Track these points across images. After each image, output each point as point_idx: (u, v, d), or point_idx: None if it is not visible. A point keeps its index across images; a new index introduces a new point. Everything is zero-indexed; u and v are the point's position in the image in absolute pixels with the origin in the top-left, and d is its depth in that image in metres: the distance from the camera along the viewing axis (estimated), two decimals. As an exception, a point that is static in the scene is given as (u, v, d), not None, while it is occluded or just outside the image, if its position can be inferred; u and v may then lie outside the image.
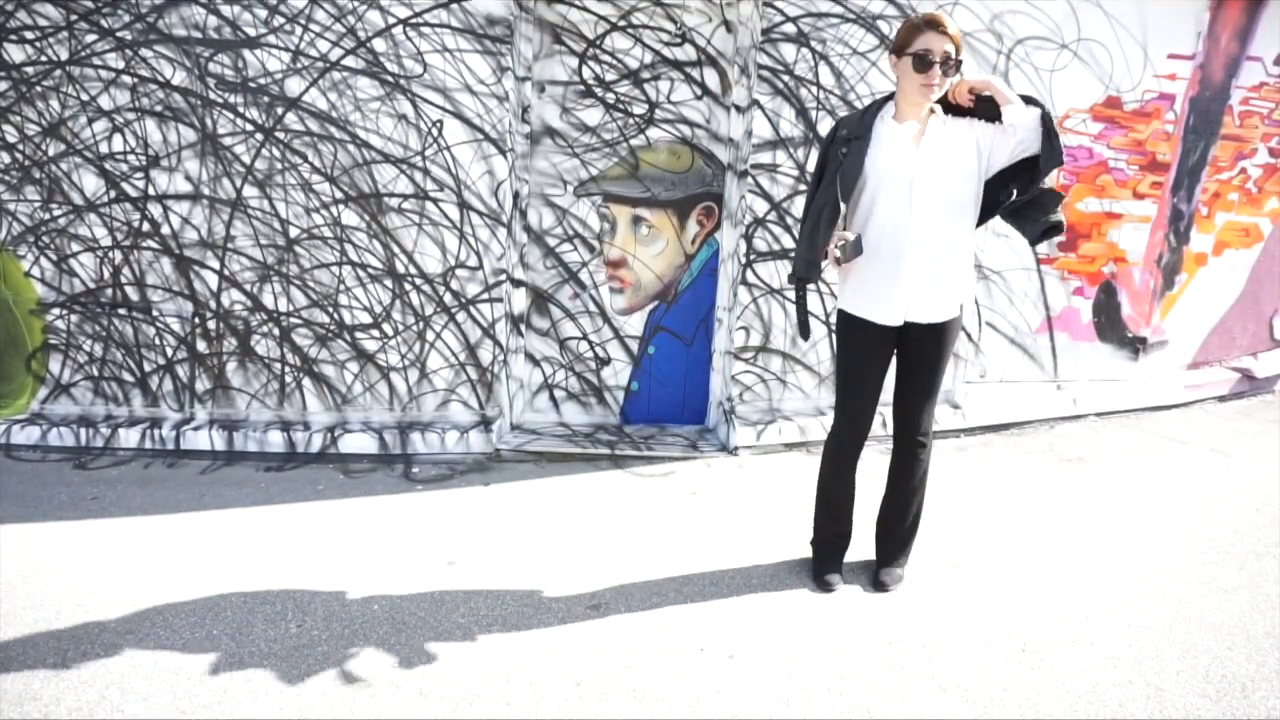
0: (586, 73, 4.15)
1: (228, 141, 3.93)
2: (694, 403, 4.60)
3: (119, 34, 3.83)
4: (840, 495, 2.88)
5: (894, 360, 2.76)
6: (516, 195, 4.14)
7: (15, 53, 3.86)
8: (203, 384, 4.18)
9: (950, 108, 2.57)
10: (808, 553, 3.04)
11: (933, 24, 2.40)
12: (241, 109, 3.90)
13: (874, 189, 2.55)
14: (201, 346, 4.14)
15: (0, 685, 2.25)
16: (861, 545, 2.99)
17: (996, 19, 4.24)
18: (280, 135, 3.93)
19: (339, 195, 3.99)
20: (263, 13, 3.81)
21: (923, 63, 2.41)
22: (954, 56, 2.41)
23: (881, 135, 2.54)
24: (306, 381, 4.18)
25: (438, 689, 2.29)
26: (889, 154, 2.52)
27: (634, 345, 4.49)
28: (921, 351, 2.66)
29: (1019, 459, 4.21)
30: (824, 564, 2.91)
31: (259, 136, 3.93)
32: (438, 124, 3.95)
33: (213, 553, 3.06)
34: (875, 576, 2.89)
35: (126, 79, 3.88)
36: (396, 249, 4.05)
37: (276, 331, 4.12)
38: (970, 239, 2.63)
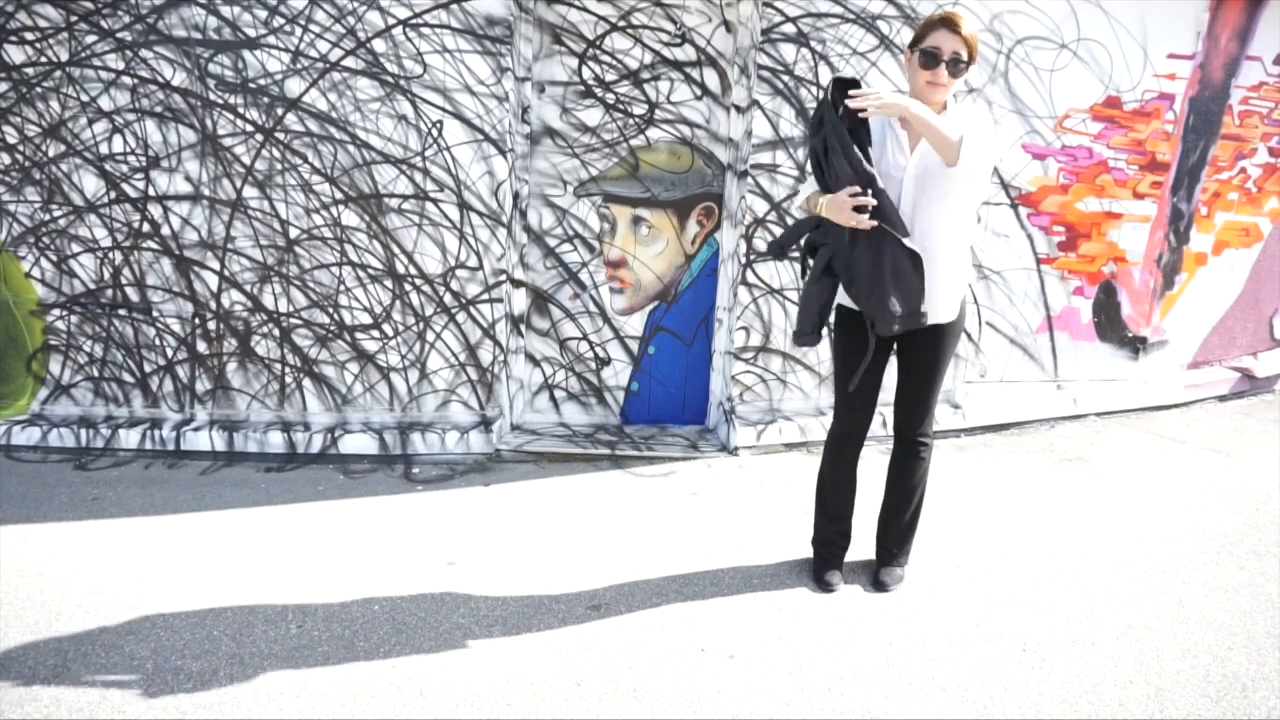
0: (586, 73, 4.15)
1: (228, 142, 3.94)
2: (694, 403, 4.60)
3: (119, 35, 3.83)
4: (840, 494, 2.88)
5: (894, 359, 2.76)
6: (516, 195, 4.14)
7: (15, 54, 3.86)
8: (203, 385, 4.18)
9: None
10: (808, 553, 3.04)
11: (947, 22, 2.40)
12: (241, 110, 3.90)
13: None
14: (202, 347, 4.14)
15: (1, 686, 2.25)
16: (862, 545, 2.99)
17: (996, 19, 4.24)
18: (280, 136, 3.93)
19: (339, 196, 3.99)
20: (262, 13, 3.81)
21: (930, 59, 2.41)
22: (963, 58, 2.40)
23: (884, 134, 2.53)
24: (307, 382, 4.18)
25: (438, 689, 2.29)
26: (888, 154, 2.51)
27: (634, 345, 4.49)
28: (920, 354, 2.65)
29: (1019, 459, 4.21)
30: (824, 563, 2.91)
31: (259, 137, 3.93)
32: (438, 124, 3.95)
33: (213, 553, 3.06)
34: (875, 576, 2.90)
35: (126, 80, 3.88)
36: (396, 249, 4.05)
37: (277, 332, 4.12)
38: (966, 238, 2.63)
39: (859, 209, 2.37)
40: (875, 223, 2.37)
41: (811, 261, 2.62)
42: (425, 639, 2.53)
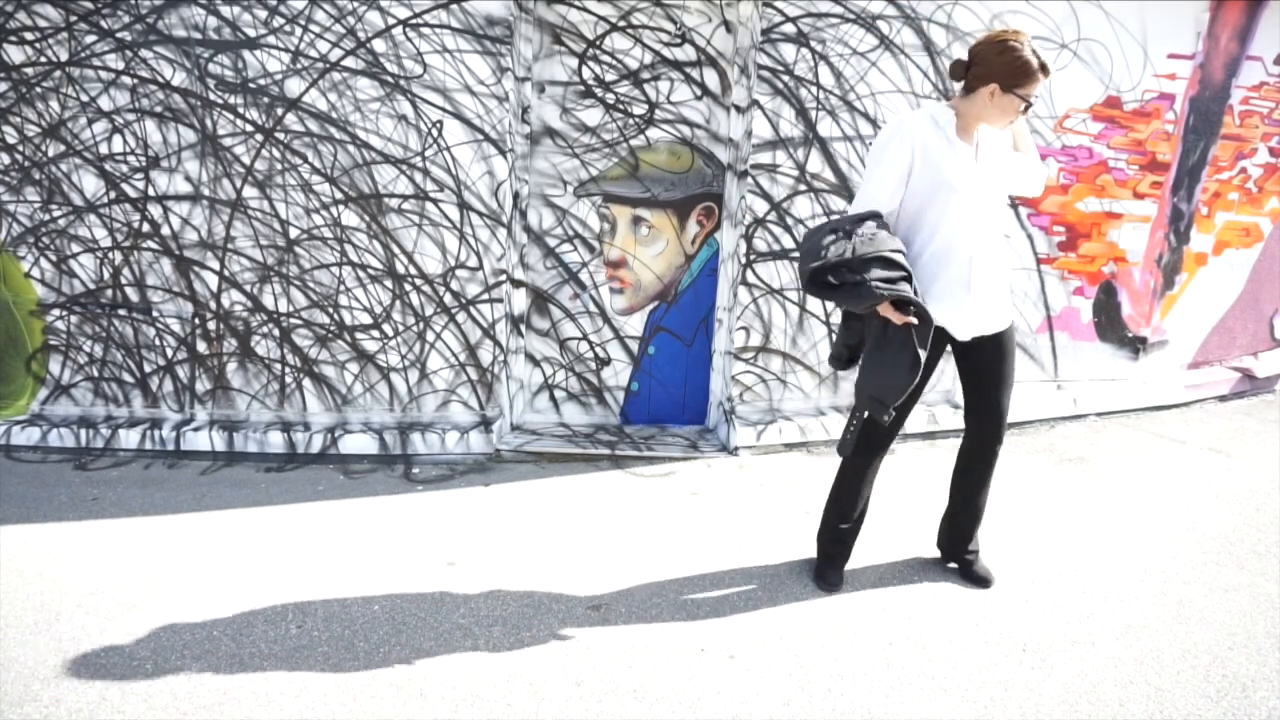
0: (586, 73, 4.15)
1: (228, 142, 3.94)
2: (694, 403, 4.60)
3: (119, 35, 3.83)
4: (864, 494, 2.85)
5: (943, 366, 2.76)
6: (516, 196, 4.14)
7: (15, 54, 3.86)
8: (203, 385, 4.18)
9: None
10: (808, 553, 3.04)
11: (1047, 73, 2.42)
12: (241, 110, 3.90)
13: (944, 205, 2.52)
14: (201, 347, 4.14)
15: (0, 686, 2.25)
16: (865, 545, 2.99)
17: (996, 19, 4.24)
18: (280, 136, 3.93)
19: (339, 196, 3.99)
20: (262, 13, 3.81)
21: (1028, 107, 2.47)
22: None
23: (942, 146, 2.51)
24: (307, 382, 4.18)
25: (438, 689, 2.29)
26: (956, 169, 2.50)
27: (634, 345, 4.49)
28: (997, 349, 2.67)
29: (1019, 459, 4.21)
30: (828, 563, 2.91)
31: (259, 137, 3.93)
32: (438, 124, 3.95)
33: (213, 553, 3.06)
34: (970, 571, 2.91)
35: (126, 80, 3.88)
36: (396, 249, 4.05)
37: (277, 332, 4.12)
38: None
39: (901, 310, 2.45)
40: (910, 319, 2.43)
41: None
42: (425, 639, 2.53)
